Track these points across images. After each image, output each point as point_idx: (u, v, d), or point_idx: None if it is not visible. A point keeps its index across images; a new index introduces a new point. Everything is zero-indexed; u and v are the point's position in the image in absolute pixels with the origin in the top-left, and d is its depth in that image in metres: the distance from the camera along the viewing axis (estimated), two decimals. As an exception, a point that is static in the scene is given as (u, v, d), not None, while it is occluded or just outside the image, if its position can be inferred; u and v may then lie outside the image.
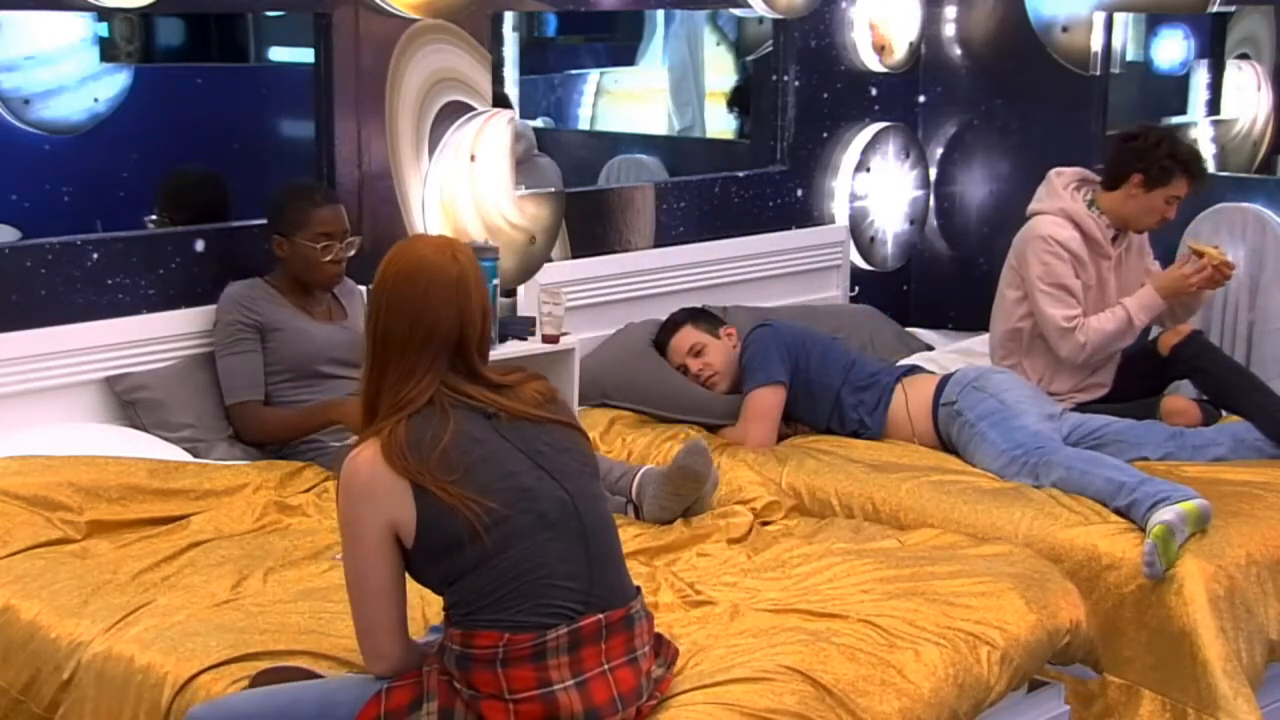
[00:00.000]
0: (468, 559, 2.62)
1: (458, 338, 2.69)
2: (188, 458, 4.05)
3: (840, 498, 4.28)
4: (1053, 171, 4.87)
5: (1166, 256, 5.10)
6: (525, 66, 6.55)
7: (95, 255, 4.15)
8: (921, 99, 6.23)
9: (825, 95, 5.90)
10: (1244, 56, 6.45)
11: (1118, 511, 3.99)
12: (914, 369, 4.90)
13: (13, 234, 4.96)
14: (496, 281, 4.47)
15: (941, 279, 6.28)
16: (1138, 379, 4.84)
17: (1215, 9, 5.71)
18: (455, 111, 4.76)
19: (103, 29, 5.60)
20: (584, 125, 7.53)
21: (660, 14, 7.38)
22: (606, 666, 2.69)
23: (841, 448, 4.57)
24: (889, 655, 3.08)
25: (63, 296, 4.09)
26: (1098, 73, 5.79)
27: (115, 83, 5.62)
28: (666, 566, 3.58)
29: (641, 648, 2.76)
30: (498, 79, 5.47)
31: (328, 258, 4.20)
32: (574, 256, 5.15)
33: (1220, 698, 3.67)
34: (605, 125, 7.50)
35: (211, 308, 4.25)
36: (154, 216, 4.92)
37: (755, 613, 3.28)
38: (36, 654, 3.22)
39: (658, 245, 5.39)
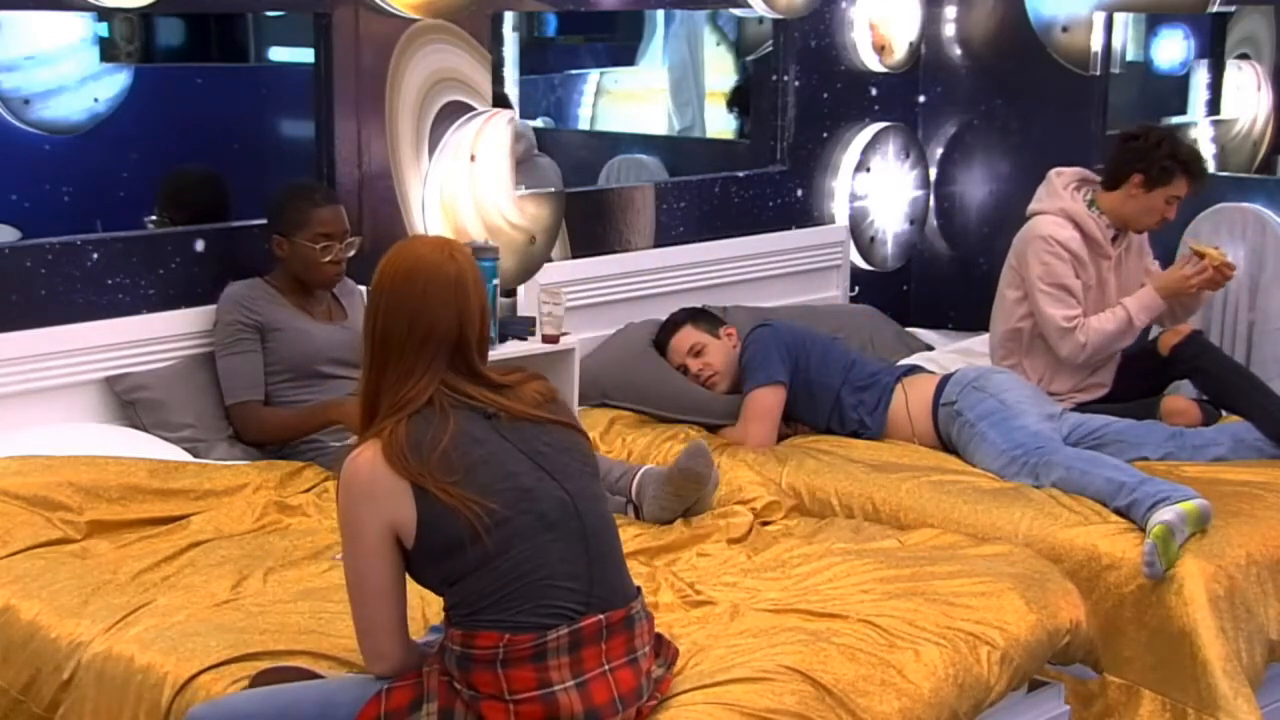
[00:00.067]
0: (468, 560, 2.62)
1: (456, 337, 2.69)
2: (188, 458, 4.05)
3: (840, 498, 4.28)
4: (1053, 171, 4.87)
5: (1166, 256, 5.11)
6: (525, 66, 6.54)
7: (95, 255, 4.15)
8: (921, 99, 6.23)
9: (825, 95, 5.90)
10: (1244, 56, 6.45)
11: (1118, 511, 3.99)
12: (914, 369, 4.90)
13: (13, 234, 4.96)
14: (496, 281, 4.47)
15: (941, 279, 6.28)
16: (1138, 379, 4.84)
17: (1215, 9, 5.71)
18: (455, 111, 4.76)
19: (103, 29, 5.60)
20: (584, 125, 7.53)
21: (660, 14, 7.38)
22: (607, 667, 2.69)
23: (841, 448, 4.57)
24: (889, 655, 3.08)
25: (63, 296, 4.09)
26: (1098, 73, 5.79)
27: (115, 83, 5.62)
28: (666, 566, 3.58)
29: (642, 648, 2.76)
30: (498, 79, 5.47)
31: (328, 258, 4.20)
32: (574, 256, 5.15)
33: (1220, 698, 3.67)
34: (605, 125, 7.50)
35: (211, 308, 4.25)
36: (154, 216, 4.92)
37: (755, 613, 3.28)
38: (36, 654, 3.22)
39: (658, 245, 5.39)
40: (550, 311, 4.64)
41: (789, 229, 5.80)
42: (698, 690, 2.85)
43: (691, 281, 5.40)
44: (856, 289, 6.05)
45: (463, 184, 4.74)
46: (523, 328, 4.68)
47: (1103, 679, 3.83)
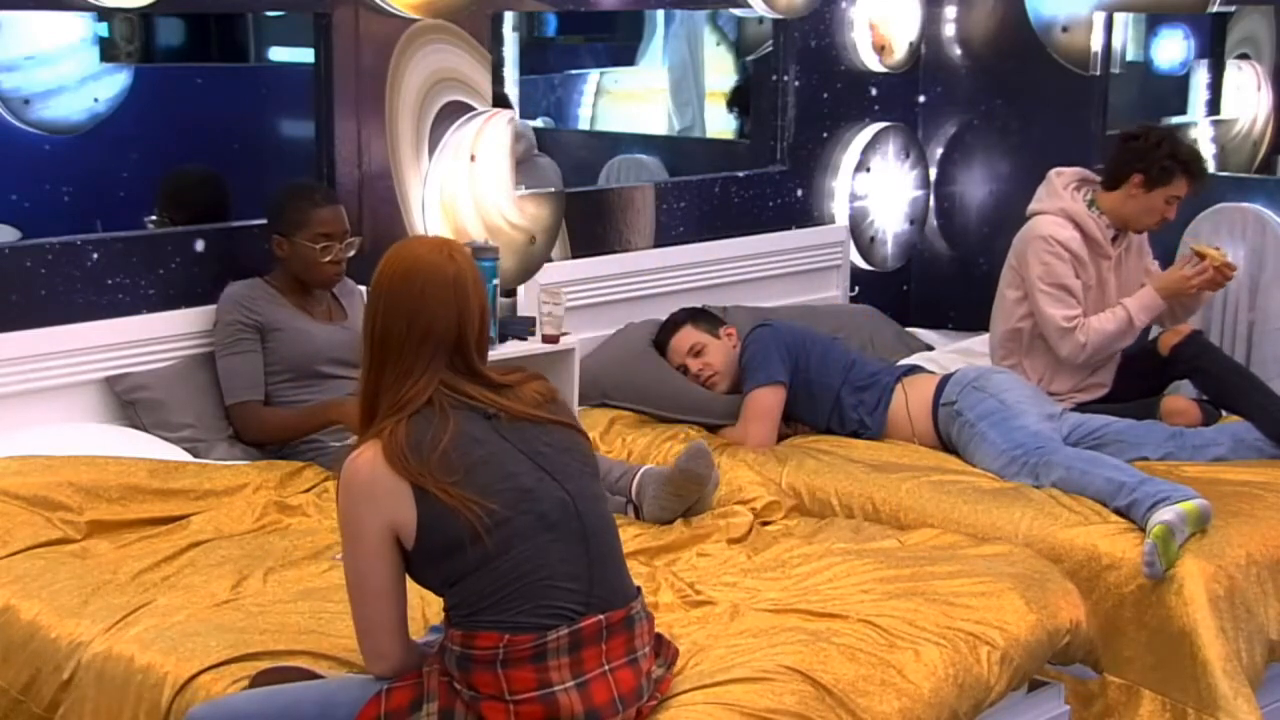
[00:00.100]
0: (469, 560, 2.62)
1: (456, 337, 2.69)
2: (188, 458, 4.05)
3: (840, 498, 4.28)
4: (1053, 171, 4.87)
5: (1166, 256, 5.11)
6: (525, 66, 6.54)
7: (95, 255, 4.15)
8: (921, 99, 6.23)
9: (825, 95, 5.90)
10: (1244, 56, 6.45)
11: (1118, 511, 3.99)
12: (914, 369, 4.90)
13: (13, 234, 4.96)
14: (496, 281, 4.47)
15: (941, 279, 6.28)
16: (1138, 379, 4.84)
17: (1215, 9, 5.71)
18: (455, 111, 4.76)
19: (103, 29, 5.60)
20: (584, 125, 7.53)
21: (660, 14, 7.38)
22: (607, 667, 2.69)
23: (841, 448, 4.57)
24: (889, 655, 3.08)
25: (63, 296, 4.09)
26: (1098, 73, 5.79)
27: (115, 83, 5.62)
28: (666, 566, 3.58)
29: (642, 648, 2.76)
30: (498, 79, 5.47)
31: (327, 258, 4.20)
32: (574, 256, 5.15)
33: (1220, 698, 3.67)
34: (605, 125, 7.50)
35: (211, 308, 4.25)
36: (154, 216, 4.92)
37: (755, 613, 3.28)
38: (36, 654, 3.22)
39: (658, 245, 5.39)
40: (550, 311, 4.64)
41: (789, 229, 5.80)
42: (698, 690, 2.85)
43: (691, 281, 5.40)
44: (856, 289, 6.05)
45: (463, 184, 4.74)
46: (523, 328, 4.68)
47: (1103, 679, 3.83)
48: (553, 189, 5.15)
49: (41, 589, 3.35)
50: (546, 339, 4.65)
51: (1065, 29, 5.84)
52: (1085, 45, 5.79)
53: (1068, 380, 4.81)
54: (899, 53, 6.05)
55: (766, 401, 4.66)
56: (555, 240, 5.03)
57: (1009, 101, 6.04)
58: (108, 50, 5.62)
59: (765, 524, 3.97)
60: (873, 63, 5.98)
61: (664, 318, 5.03)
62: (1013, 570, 3.53)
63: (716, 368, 4.83)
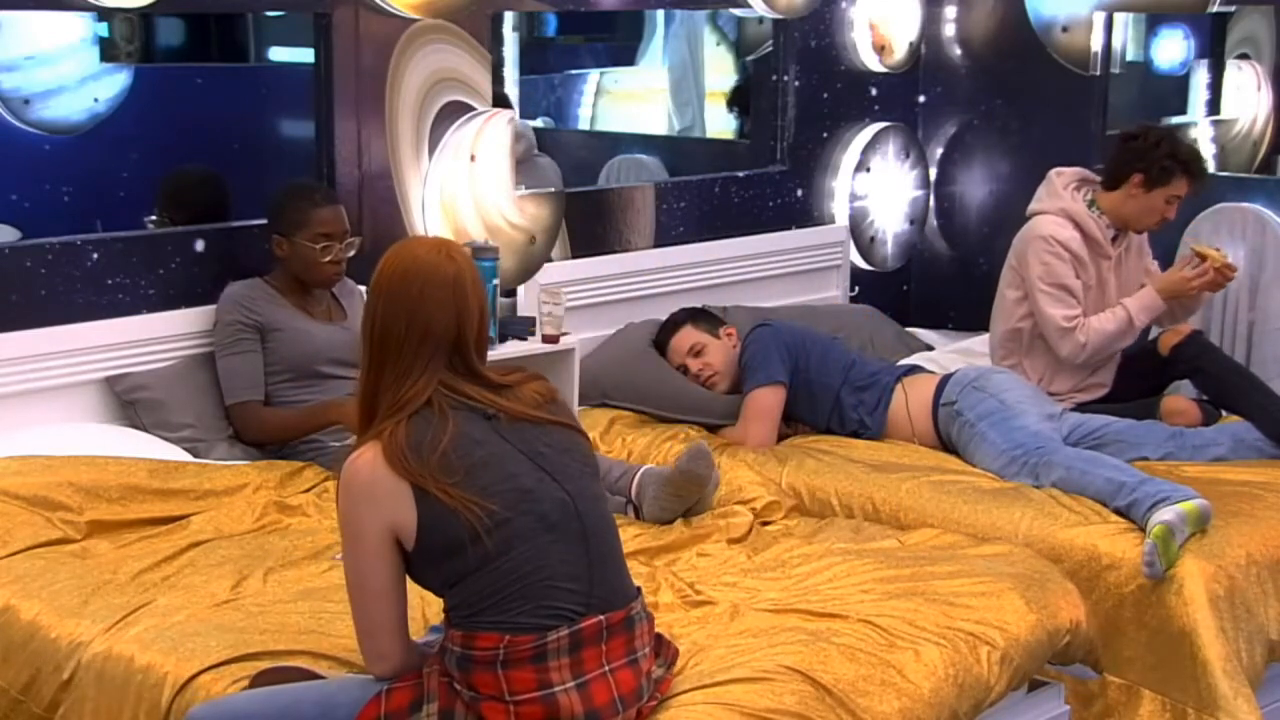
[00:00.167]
0: (469, 561, 2.62)
1: (455, 337, 2.69)
2: (188, 458, 4.05)
3: (840, 498, 4.28)
4: (1053, 171, 4.87)
5: (1166, 256, 5.11)
6: (525, 66, 6.54)
7: (95, 255, 4.15)
8: (921, 99, 6.23)
9: (825, 95, 5.90)
10: (1244, 56, 6.45)
11: (1118, 511, 3.99)
12: (914, 369, 4.90)
13: (13, 234, 4.96)
14: (496, 281, 4.47)
15: (941, 279, 6.28)
16: (1138, 379, 4.84)
17: (1215, 9, 5.71)
18: (455, 111, 4.76)
19: (103, 29, 5.60)
20: (584, 125, 7.53)
21: (660, 14, 7.38)
22: (607, 668, 2.69)
23: (841, 448, 4.57)
24: (889, 655, 3.08)
25: (63, 296, 4.09)
26: (1098, 73, 5.79)
27: (115, 83, 5.62)
28: (666, 566, 3.58)
29: (642, 649, 2.76)
30: (498, 79, 5.47)
31: (327, 258, 4.20)
32: (574, 256, 5.15)
33: (1220, 698, 3.67)
34: (605, 125, 7.50)
35: (211, 308, 4.25)
36: (154, 216, 4.92)
37: (755, 613, 3.28)
38: (36, 654, 3.22)
39: (658, 245, 5.39)
40: (550, 311, 4.64)
41: (789, 229, 5.80)
42: (698, 690, 2.85)
43: (691, 281, 5.40)
44: (856, 289, 6.05)
45: (463, 184, 4.74)
46: (523, 328, 4.68)
47: (1103, 679, 3.83)
48: (553, 189, 5.15)
49: (41, 589, 3.35)
50: (546, 339, 4.65)
51: (1065, 29, 5.84)
52: (1085, 45, 5.79)
53: (1068, 380, 4.81)
54: (899, 53, 6.05)
55: (766, 401, 4.66)
56: (555, 240, 5.03)
57: (1009, 101, 6.04)
58: (108, 50, 5.62)
59: (765, 524, 3.97)
60: (873, 63, 5.98)
61: (664, 318, 5.03)
62: (1013, 570, 3.53)
63: (716, 368, 4.83)
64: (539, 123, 7.02)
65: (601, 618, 2.68)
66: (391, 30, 4.61)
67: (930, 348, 5.62)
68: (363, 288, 4.15)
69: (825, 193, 5.94)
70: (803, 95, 5.82)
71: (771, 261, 5.68)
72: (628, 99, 7.63)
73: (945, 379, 4.68)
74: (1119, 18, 5.89)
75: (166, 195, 5.01)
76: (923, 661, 3.09)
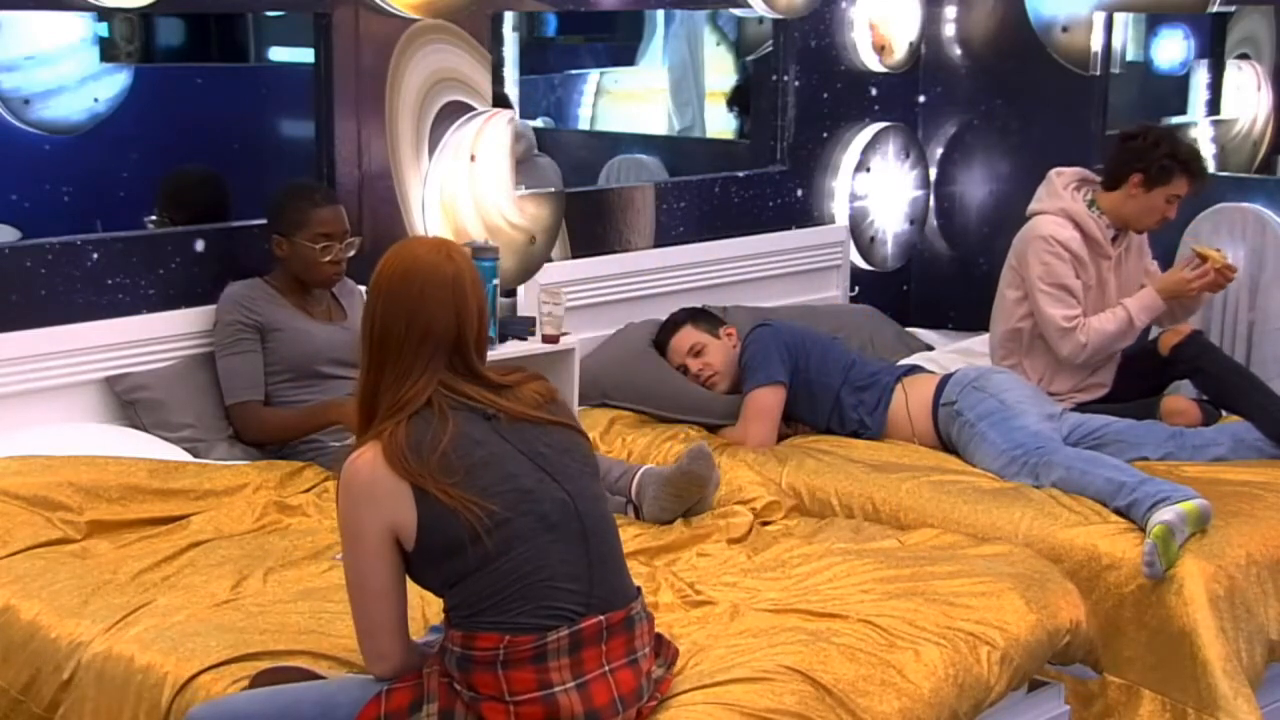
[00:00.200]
0: (469, 562, 2.62)
1: (454, 337, 2.69)
2: (188, 458, 4.05)
3: (840, 498, 4.28)
4: (1053, 171, 4.87)
5: (1166, 256, 5.11)
6: (525, 66, 6.54)
7: (95, 255, 4.15)
8: (921, 99, 6.23)
9: (825, 95, 5.90)
10: (1244, 56, 6.45)
11: (1118, 511, 3.99)
12: (914, 369, 4.90)
13: (13, 234, 4.96)
14: (496, 281, 4.47)
15: (941, 279, 6.28)
16: (1138, 379, 4.84)
17: (1215, 9, 5.71)
18: (455, 111, 4.76)
19: (103, 29, 5.60)
20: (584, 125, 7.53)
21: (660, 14, 7.38)
22: (607, 668, 2.69)
23: (841, 448, 4.57)
24: (889, 655, 3.08)
25: (63, 296, 4.09)
26: (1098, 73, 5.79)
27: (115, 83, 5.62)
28: (666, 566, 3.58)
29: (642, 649, 2.76)
30: (498, 79, 5.47)
31: (327, 258, 4.20)
32: (574, 256, 5.15)
33: (1220, 698, 3.67)
34: (605, 125, 7.50)
35: (211, 308, 4.25)
36: (154, 216, 4.92)
37: (755, 613, 3.27)
38: (36, 654, 3.22)
39: (658, 245, 5.39)
40: (550, 311, 4.64)
41: (789, 229, 5.80)
42: (698, 690, 2.85)
43: (691, 281, 5.40)
44: (856, 289, 6.05)
45: (463, 184, 4.74)
46: (523, 328, 4.68)
47: (1103, 679, 3.83)
48: (553, 189, 5.15)
49: (41, 589, 3.35)
50: (546, 339, 4.65)
51: (1065, 29, 5.84)
52: (1085, 45, 5.79)
53: (1068, 380, 4.81)
54: (899, 53, 6.05)
55: (766, 401, 4.66)
56: (555, 240, 5.03)
57: (1009, 101, 6.04)
58: (108, 50, 5.62)
59: (765, 524, 3.97)
60: (873, 63, 5.98)
61: (664, 318, 5.03)
62: (1013, 570, 3.53)
63: (716, 368, 4.83)
64: (539, 123, 7.02)
65: (601, 618, 2.68)
66: (391, 30, 4.61)
67: (930, 348, 5.62)
68: (363, 288, 4.15)
69: (825, 193, 5.94)
70: (803, 95, 5.82)
71: (771, 261, 5.68)
72: (628, 99, 7.63)
73: (945, 379, 4.68)
74: (1119, 18, 5.89)
75: (166, 195, 5.01)
76: (923, 661, 3.09)
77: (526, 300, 4.87)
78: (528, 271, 4.90)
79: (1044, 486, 4.19)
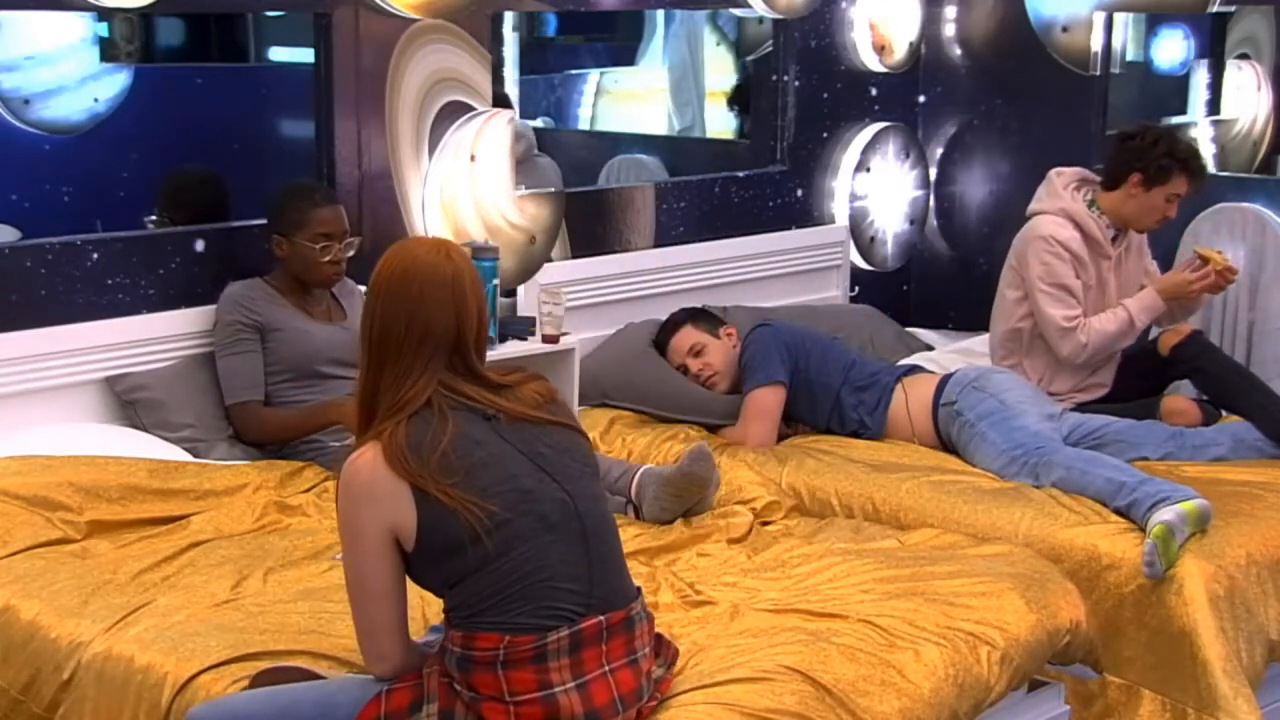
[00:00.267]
0: (469, 562, 2.62)
1: (454, 337, 2.69)
2: (188, 458, 4.05)
3: (840, 498, 4.28)
4: (1053, 171, 4.87)
5: (1166, 256, 5.11)
6: (525, 66, 6.55)
7: (95, 255, 4.15)
8: (921, 99, 6.23)
9: (825, 95, 5.90)
10: (1244, 56, 6.45)
11: (1118, 511, 3.99)
12: (914, 369, 4.90)
13: (13, 234, 4.96)
14: (496, 281, 4.47)
15: (941, 279, 6.28)
16: (1138, 379, 4.84)
17: (1215, 9, 5.71)
18: (455, 111, 4.76)
19: (103, 29, 5.60)
20: (584, 125, 7.53)
21: (660, 14, 7.38)
22: (607, 668, 2.69)
23: (841, 448, 4.57)
24: (889, 655, 3.08)
25: (63, 296, 4.09)
26: (1098, 73, 5.79)
27: (115, 83, 5.62)
28: (666, 566, 3.58)
29: (642, 649, 2.76)
30: (498, 79, 5.47)
31: (327, 258, 4.20)
32: (574, 256, 5.15)
33: (1220, 698, 3.67)
34: (605, 125, 7.50)
35: (211, 308, 4.25)
36: (154, 216, 4.92)
37: (755, 613, 3.27)
38: (36, 654, 3.22)
39: (658, 245, 5.39)
40: (550, 311, 4.64)
41: (789, 229, 5.80)
42: (698, 690, 2.85)
43: (691, 281, 5.40)
44: (856, 289, 6.05)
45: (463, 184, 4.74)
46: (523, 328, 4.68)
47: (1103, 679, 3.83)
48: (553, 189, 5.15)
49: (41, 589, 3.35)
50: (546, 339, 4.65)
51: (1065, 29, 5.84)
52: (1085, 45, 5.79)
53: (1068, 380, 4.81)
54: (899, 53, 6.05)
55: (766, 401, 4.66)
56: (555, 240, 5.03)
57: (1009, 101, 6.04)
58: (108, 50, 5.62)
59: (765, 524, 3.97)
60: (873, 63, 5.98)
61: (664, 318, 5.03)
62: (1013, 570, 3.53)
63: (716, 368, 4.83)
64: (539, 123, 7.02)
65: (601, 618, 2.68)
66: (391, 30, 4.61)
67: (930, 348, 5.62)
68: (363, 288, 4.15)
69: (825, 193, 5.94)
70: (803, 95, 5.82)
71: (771, 261, 5.68)
72: (628, 99, 7.63)
73: (945, 379, 4.68)
74: (1119, 18, 5.89)
75: (166, 195, 5.01)
76: (923, 661, 3.09)
77: (526, 300, 4.87)
78: (528, 271, 4.90)
79: (1044, 486, 4.19)
